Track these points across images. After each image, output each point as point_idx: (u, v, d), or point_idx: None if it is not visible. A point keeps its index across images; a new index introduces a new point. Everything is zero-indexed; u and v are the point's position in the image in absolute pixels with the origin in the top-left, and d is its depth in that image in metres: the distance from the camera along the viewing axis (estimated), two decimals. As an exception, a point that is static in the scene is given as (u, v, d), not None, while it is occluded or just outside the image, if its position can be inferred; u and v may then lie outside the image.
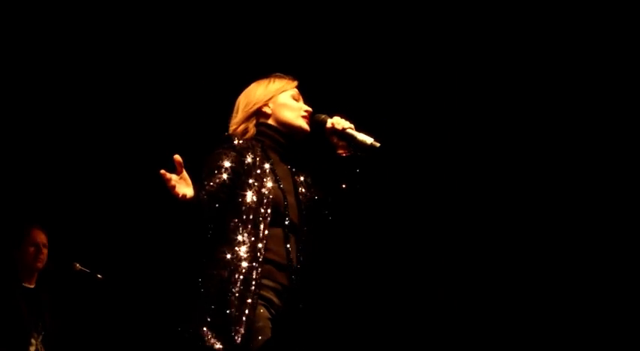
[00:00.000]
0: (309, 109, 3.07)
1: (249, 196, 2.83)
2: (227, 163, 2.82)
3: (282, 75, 3.13)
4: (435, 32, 5.39)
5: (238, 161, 2.85)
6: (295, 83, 3.11)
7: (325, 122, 2.99)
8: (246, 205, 2.82)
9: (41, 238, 4.82)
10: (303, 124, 3.03)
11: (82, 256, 4.99)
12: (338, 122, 2.99)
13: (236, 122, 3.03)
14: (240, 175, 2.84)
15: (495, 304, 5.25)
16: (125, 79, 5.53)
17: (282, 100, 3.04)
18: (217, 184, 2.77)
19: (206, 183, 2.78)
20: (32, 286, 4.76)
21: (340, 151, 3.01)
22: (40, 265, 4.77)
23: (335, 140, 3.01)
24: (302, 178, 3.07)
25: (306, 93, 3.18)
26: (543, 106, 5.25)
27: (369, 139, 2.91)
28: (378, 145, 2.89)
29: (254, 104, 3.03)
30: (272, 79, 3.10)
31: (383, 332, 5.39)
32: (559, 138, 5.21)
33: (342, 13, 5.37)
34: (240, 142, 2.91)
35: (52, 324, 4.71)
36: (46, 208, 5.45)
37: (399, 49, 5.43)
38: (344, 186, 2.98)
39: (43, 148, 5.59)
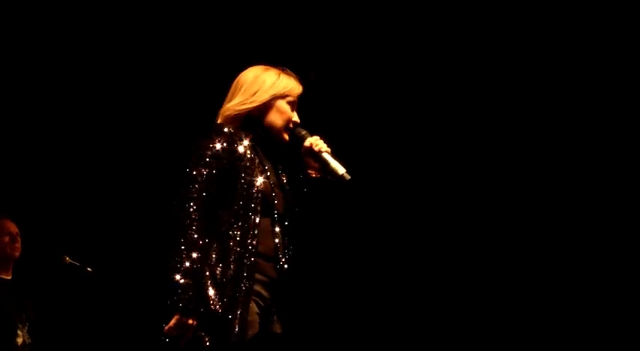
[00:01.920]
0: (297, 120, 3.01)
1: (239, 189, 2.80)
2: (216, 154, 2.79)
3: (291, 74, 3.04)
4: (433, 33, 5.40)
5: (228, 152, 2.81)
6: (300, 90, 3.02)
7: (304, 140, 2.97)
8: (236, 198, 2.79)
9: (13, 227, 4.77)
10: (285, 137, 2.98)
11: (72, 249, 4.99)
12: (316, 144, 2.95)
13: (231, 108, 2.95)
14: (230, 166, 2.81)
15: (494, 304, 5.27)
16: (112, 72, 5.53)
17: (280, 105, 2.97)
18: (207, 176, 2.75)
19: (195, 173, 2.75)
20: (9, 278, 4.74)
21: (310, 171, 2.99)
22: (16, 253, 4.72)
23: (308, 159, 2.98)
24: (284, 174, 3.05)
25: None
26: (542, 107, 5.27)
27: (341, 170, 2.89)
28: (348, 177, 2.87)
29: (255, 100, 2.94)
30: (281, 76, 3.00)
31: (373, 325, 5.40)
32: (558, 138, 5.23)
33: (341, 12, 5.37)
34: (232, 131, 2.86)
35: (35, 314, 4.70)
36: (38, 201, 5.46)
37: (396, 49, 5.44)
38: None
39: (35, 143, 5.60)
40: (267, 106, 2.95)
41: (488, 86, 5.38)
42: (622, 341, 4.93)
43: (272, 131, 2.97)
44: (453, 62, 5.42)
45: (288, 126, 2.98)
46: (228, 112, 2.94)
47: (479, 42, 5.34)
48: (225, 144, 2.81)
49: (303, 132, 2.99)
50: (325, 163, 2.92)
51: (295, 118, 3.01)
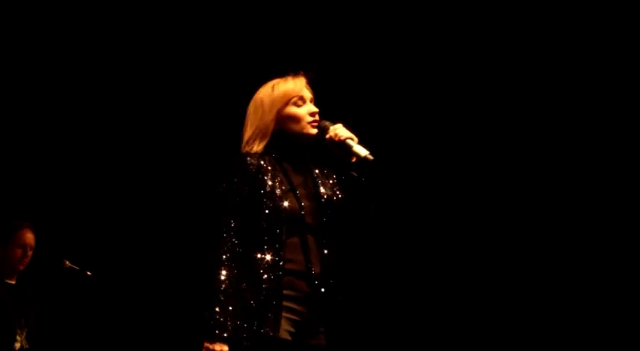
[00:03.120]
0: (315, 110, 3.02)
1: (265, 215, 2.86)
2: (242, 191, 2.88)
3: (286, 77, 3.07)
4: (432, 33, 5.40)
5: (250, 182, 2.89)
6: (301, 84, 3.05)
7: (327, 130, 2.98)
8: (262, 224, 2.86)
9: (29, 239, 4.76)
10: (312, 131, 3.00)
11: (72, 253, 4.98)
12: (335, 133, 2.96)
13: (247, 138, 3.01)
14: (254, 195, 2.88)
15: (493, 303, 5.27)
16: (114, 76, 5.53)
17: (286, 113, 2.99)
18: (235, 215, 2.86)
19: (227, 217, 2.86)
20: (13, 282, 4.74)
21: (338, 160, 2.99)
22: (22, 267, 4.72)
23: (333, 150, 2.98)
24: (326, 180, 3.06)
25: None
26: (540, 107, 5.27)
27: (363, 152, 2.89)
28: (371, 158, 2.88)
29: (262, 123, 3.00)
30: (275, 86, 3.05)
31: (371, 325, 5.39)
32: (556, 137, 5.23)
33: (342, 13, 5.37)
34: (251, 160, 2.92)
35: (35, 320, 4.69)
36: (36, 205, 5.45)
37: (398, 50, 5.44)
38: (354, 174, 2.97)
39: (34, 147, 5.59)
40: (280, 120, 3.00)
41: (486, 86, 5.38)
42: (622, 341, 4.91)
43: (297, 137, 3.00)
44: (453, 62, 5.41)
45: (308, 122, 3.00)
46: (244, 144, 3.01)
47: (477, 42, 5.34)
48: (245, 176, 2.89)
49: (326, 123, 3.01)
50: (347, 147, 2.92)
51: (310, 109, 3.02)
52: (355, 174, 2.94)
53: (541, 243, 5.21)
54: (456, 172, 5.45)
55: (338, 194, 3.02)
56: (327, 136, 2.97)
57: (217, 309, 2.74)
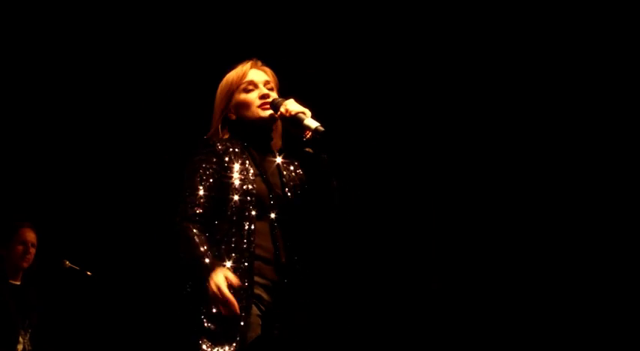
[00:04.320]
0: (265, 92, 2.99)
1: (234, 198, 2.82)
2: (208, 170, 2.83)
3: (236, 66, 3.06)
4: (433, 33, 5.41)
5: (219, 164, 2.85)
6: (247, 67, 3.04)
7: (279, 105, 2.94)
8: (231, 207, 2.82)
9: (31, 237, 4.80)
10: (263, 114, 2.97)
11: (72, 253, 4.99)
12: (288, 109, 2.91)
13: (212, 127, 3.02)
14: (222, 178, 2.84)
15: (492, 302, 5.28)
16: (114, 76, 5.53)
17: (235, 100, 2.99)
18: (203, 194, 2.79)
19: (189, 193, 2.80)
20: (18, 283, 4.76)
21: (295, 135, 2.96)
22: (25, 264, 4.75)
23: (288, 127, 2.96)
24: (291, 167, 3.03)
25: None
26: (540, 106, 5.27)
27: (313, 124, 2.86)
28: (322, 129, 2.84)
29: (218, 115, 3.01)
30: (226, 78, 3.05)
31: (374, 327, 5.40)
32: (556, 137, 5.23)
33: (343, 13, 5.38)
34: (219, 144, 2.90)
35: (39, 321, 4.70)
36: (36, 205, 5.45)
37: (399, 51, 5.44)
38: (308, 150, 2.91)
39: (34, 147, 5.59)
40: (234, 108, 2.99)
41: (486, 86, 5.38)
42: (622, 341, 4.92)
43: (252, 122, 2.98)
44: (453, 62, 5.42)
45: (258, 106, 2.98)
46: (212, 131, 3.01)
47: (477, 42, 5.35)
48: (214, 158, 2.86)
49: (277, 100, 2.98)
50: (299, 122, 2.89)
51: (260, 92, 2.99)
52: (310, 150, 2.91)
53: (541, 243, 5.21)
54: (456, 171, 5.45)
55: (301, 181, 2.99)
56: (278, 112, 2.94)
57: (197, 248, 2.69)
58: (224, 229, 2.79)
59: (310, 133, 2.87)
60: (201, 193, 2.79)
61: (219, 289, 2.62)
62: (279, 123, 3.01)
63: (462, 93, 5.44)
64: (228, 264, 2.73)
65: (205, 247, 2.70)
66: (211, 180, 2.82)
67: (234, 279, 2.66)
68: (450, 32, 5.37)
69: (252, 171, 2.88)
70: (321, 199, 2.94)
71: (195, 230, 2.73)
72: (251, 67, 3.04)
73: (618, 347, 4.91)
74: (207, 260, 2.67)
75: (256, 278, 2.79)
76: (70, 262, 4.85)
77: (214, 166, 2.84)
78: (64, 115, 5.59)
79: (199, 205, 2.77)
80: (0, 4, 5.16)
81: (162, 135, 5.61)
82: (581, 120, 5.16)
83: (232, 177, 2.84)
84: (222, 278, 2.64)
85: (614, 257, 5.01)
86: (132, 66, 5.48)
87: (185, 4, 5.37)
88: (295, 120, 2.89)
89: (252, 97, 2.99)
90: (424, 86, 5.49)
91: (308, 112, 2.90)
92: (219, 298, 2.62)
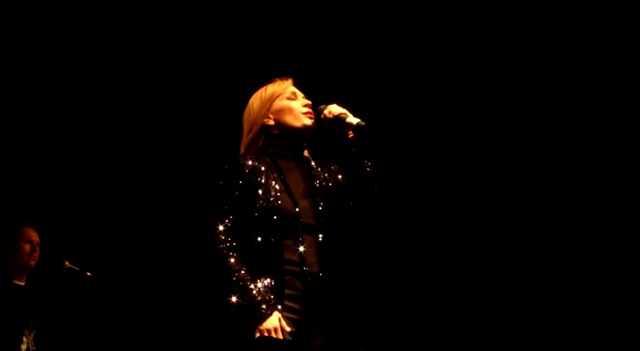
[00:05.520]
0: (308, 102, 3.05)
1: (259, 216, 2.86)
2: (234, 192, 2.87)
3: (273, 79, 3.11)
4: (433, 33, 5.41)
5: (245, 186, 2.88)
6: (288, 82, 3.09)
7: (322, 112, 3.01)
8: (257, 226, 2.85)
9: (35, 236, 4.83)
10: (307, 122, 3.01)
11: (72, 253, 4.99)
12: (330, 111, 2.99)
13: (244, 145, 3.04)
14: (247, 197, 2.87)
15: (492, 302, 5.28)
16: (114, 76, 5.53)
17: (278, 106, 3.02)
18: (231, 216, 2.85)
19: (218, 215, 2.85)
20: (23, 284, 4.76)
21: (338, 137, 3.00)
22: (33, 262, 4.77)
23: (330, 129, 3.00)
24: (325, 175, 3.05)
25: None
26: (540, 106, 5.27)
27: (355, 120, 2.94)
28: (362, 124, 2.92)
29: (255, 123, 3.02)
30: (264, 88, 3.08)
31: (374, 326, 5.39)
32: (556, 137, 5.24)
33: (344, 12, 5.38)
34: (247, 163, 2.92)
35: (43, 322, 4.71)
36: (36, 206, 5.45)
37: (399, 51, 5.45)
38: (353, 149, 2.97)
39: (34, 148, 5.59)
40: (275, 115, 3.01)
41: (486, 85, 5.39)
42: (622, 341, 4.92)
43: (294, 130, 3.01)
44: (453, 63, 5.42)
45: (302, 113, 3.02)
46: (242, 150, 3.02)
47: (477, 42, 5.35)
48: (241, 181, 2.89)
49: (321, 107, 3.03)
50: (341, 121, 2.95)
51: (303, 102, 3.05)
52: (354, 149, 2.96)
53: (541, 243, 5.22)
54: (456, 172, 5.45)
55: (338, 185, 3.01)
56: (322, 116, 2.99)
57: (244, 289, 2.73)
58: (252, 248, 2.83)
59: (352, 133, 2.94)
60: (229, 214, 2.84)
61: (275, 330, 2.70)
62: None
63: (462, 93, 5.44)
64: (259, 284, 2.77)
65: (256, 285, 2.75)
66: (238, 201, 2.86)
67: (286, 327, 2.73)
68: (450, 32, 5.38)
69: (278, 186, 2.90)
70: (363, 201, 2.97)
71: (232, 260, 2.78)
72: (292, 83, 3.10)
73: (618, 347, 4.91)
74: (263, 306, 2.73)
75: (288, 291, 2.82)
76: (70, 262, 4.85)
77: (240, 188, 2.88)
78: (64, 116, 5.59)
79: (229, 226, 2.82)
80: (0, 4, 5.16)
81: (162, 135, 5.61)
82: (581, 120, 5.16)
83: (258, 195, 2.86)
84: (277, 320, 2.72)
85: (614, 257, 5.01)
86: (131, 66, 5.48)
87: (186, 7, 5.38)
88: (338, 120, 2.95)
89: (296, 104, 3.03)
90: (424, 86, 5.49)
91: (349, 113, 2.96)
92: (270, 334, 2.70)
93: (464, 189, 5.44)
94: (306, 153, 3.07)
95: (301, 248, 2.85)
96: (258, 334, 2.69)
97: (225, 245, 2.80)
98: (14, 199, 5.40)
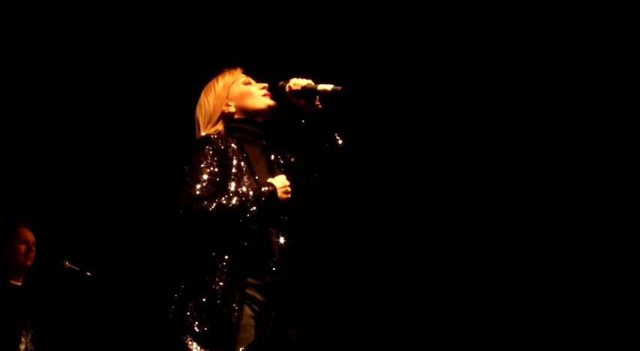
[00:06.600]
0: (265, 85, 2.99)
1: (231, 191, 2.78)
2: (212, 164, 2.76)
3: (222, 71, 3.06)
4: (433, 32, 5.41)
5: (219, 162, 2.79)
6: (239, 70, 3.05)
7: (284, 87, 2.92)
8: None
9: (31, 236, 4.84)
10: (269, 102, 2.96)
11: (71, 253, 4.99)
12: (295, 83, 2.92)
13: (205, 125, 2.95)
14: (221, 177, 2.78)
15: (492, 302, 5.28)
16: (112, 77, 5.53)
17: (236, 92, 2.97)
18: (207, 180, 2.73)
19: (192, 182, 2.72)
20: (20, 284, 4.77)
21: (309, 110, 2.93)
22: (29, 263, 4.78)
23: (297, 102, 2.93)
24: (282, 162, 3.01)
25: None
26: (540, 106, 5.28)
27: (328, 86, 2.84)
28: (339, 88, 2.83)
29: (214, 112, 2.95)
30: (214, 80, 3.03)
31: (374, 326, 5.40)
32: (556, 137, 5.24)
33: (344, 11, 5.38)
34: (219, 141, 2.83)
35: (41, 322, 4.71)
36: (35, 206, 5.45)
37: (400, 51, 5.45)
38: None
39: (32, 148, 5.59)
40: (234, 101, 2.96)
41: (486, 85, 5.39)
42: (622, 341, 4.92)
43: (256, 111, 2.96)
44: (454, 63, 5.43)
45: (262, 94, 2.97)
46: (204, 133, 2.93)
47: (477, 42, 5.36)
48: (216, 156, 2.79)
49: (280, 83, 2.96)
50: (312, 91, 2.86)
51: (261, 85, 3.00)
52: (325, 122, 2.89)
53: (541, 243, 5.22)
54: (456, 172, 5.46)
55: (297, 169, 2.98)
56: (287, 90, 2.92)
57: (244, 203, 2.70)
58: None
59: (322, 104, 2.84)
60: (205, 177, 2.72)
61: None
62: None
63: (462, 93, 5.44)
64: (226, 267, 2.69)
65: (237, 199, 2.70)
66: (216, 170, 2.75)
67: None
68: (450, 32, 5.38)
69: (246, 172, 2.85)
70: (332, 171, 2.93)
71: (217, 201, 2.67)
72: (241, 72, 3.04)
73: (618, 347, 4.91)
74: (251, 193, 2.71)
75: (250, 280, 2.76)
76: (69, 262, 4.85)
77: (216, 160, 2.78)
78: (63, 116, 5.59)
79: (203, 190, 2.70)
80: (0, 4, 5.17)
81: (162, 135, 5.60)
82: (581, 120, 5.16)
83: (229, 177, 2.79)
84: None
85: (614, 258, 5.02)
86: (130, 66, 5.49)
87: (181, 8, 5.38)
88: (307, 91, 2.86)
89: (254, 88, 2.99)
90: (423, 87, 5.49)
91: (312, 83, 2.88)
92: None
93: (464, 189, 5.44)
94: (264, 143, 3.01)
95: (268, 238, 2.81)
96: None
97: (207, 197, 2.68)
98: (11, 199, 5.39)
